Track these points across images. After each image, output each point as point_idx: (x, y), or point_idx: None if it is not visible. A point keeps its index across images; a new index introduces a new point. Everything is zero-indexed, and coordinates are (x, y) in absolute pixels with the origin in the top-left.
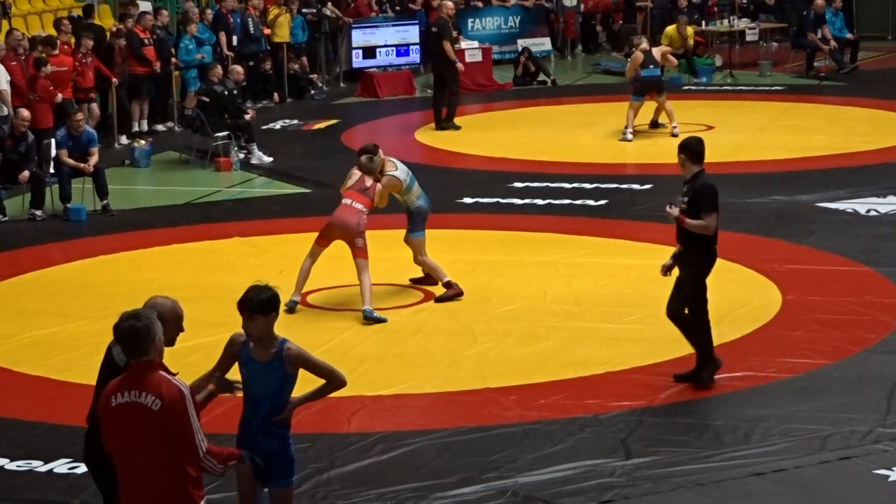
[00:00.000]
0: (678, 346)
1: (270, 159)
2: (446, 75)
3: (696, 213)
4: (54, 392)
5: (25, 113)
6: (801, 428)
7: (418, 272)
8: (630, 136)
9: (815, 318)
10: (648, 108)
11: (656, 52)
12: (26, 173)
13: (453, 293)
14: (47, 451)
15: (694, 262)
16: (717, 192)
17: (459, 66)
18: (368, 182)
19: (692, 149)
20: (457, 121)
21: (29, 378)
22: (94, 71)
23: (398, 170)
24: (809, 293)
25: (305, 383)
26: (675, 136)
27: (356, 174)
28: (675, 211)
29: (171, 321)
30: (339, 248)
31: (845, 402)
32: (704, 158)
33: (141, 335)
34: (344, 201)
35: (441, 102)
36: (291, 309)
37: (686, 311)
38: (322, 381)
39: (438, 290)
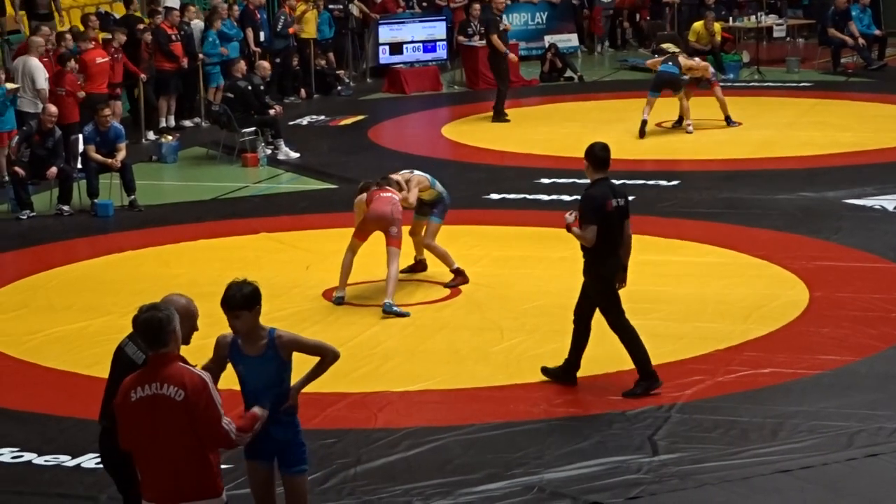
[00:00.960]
0: (704, 343)
1: (297, 155)
2: (500, 69)
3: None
4: (81, 387)
5: (53, 109)
6: (828, 425)
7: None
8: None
9: (842, 315)
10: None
11: (683, 59)
12: (54, 169)
13: (461, 280)
14: (75, 446)
15: (587, 270)
16: (603, 203)
17: (512, 57)
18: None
19: (594, 155)
20: (480, 116)
21: (56, 373)
22: (122, 66)
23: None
24: (837, 290)
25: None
26: (689, 133)
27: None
28: (570, 217)
29: (186, 320)
30: (371, 243)
31: (873, 398)
32: (608, 166)
33: (162, 326)
34: (376, 195)
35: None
36: (339, 302)
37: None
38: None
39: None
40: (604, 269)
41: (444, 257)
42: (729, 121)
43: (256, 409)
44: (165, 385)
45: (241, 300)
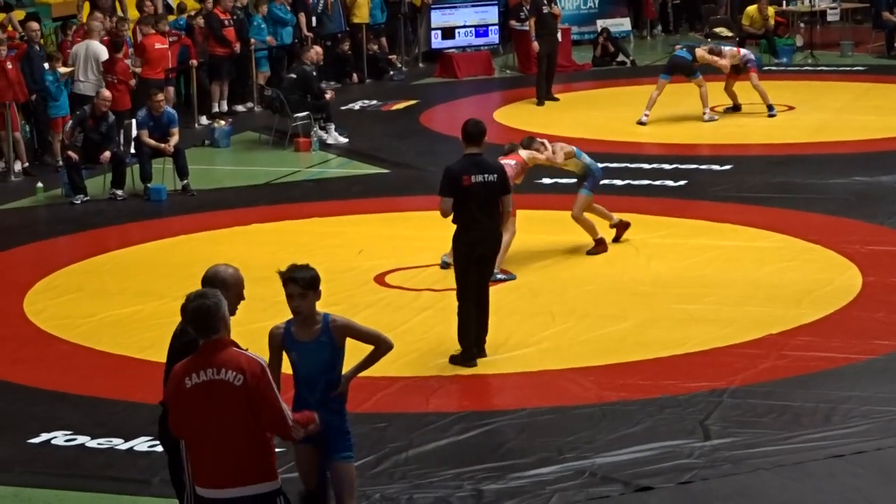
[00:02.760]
0: (756, 328)
1: (346, 140)
2: (538, 53)
3: None
4: (134, 371)
5: (106, 93)
6: (881, 410)
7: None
8: (644, 119)
9: None
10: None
11: (700, 51)
12: (108, 153)
13: (601, 249)
14: (127, 430)
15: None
16: (456, 176)
17: (535, 45)
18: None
19: (465, 131)
20: (533, 101)
21: (110, 357)
22: (177, 52)
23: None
24: (891, 274)
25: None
26: (706, 121)
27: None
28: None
29: (233, 288)
30: (415, 228)
31: None
32: (480, 141)
33: (211, 313)
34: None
35: (541, 78)
36: (446, 265)
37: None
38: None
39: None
40: (458, 245)
41: (590, 229)
42: (770, 109)
43: (314, 415)
44: (223, 370)
45: (312, 280)
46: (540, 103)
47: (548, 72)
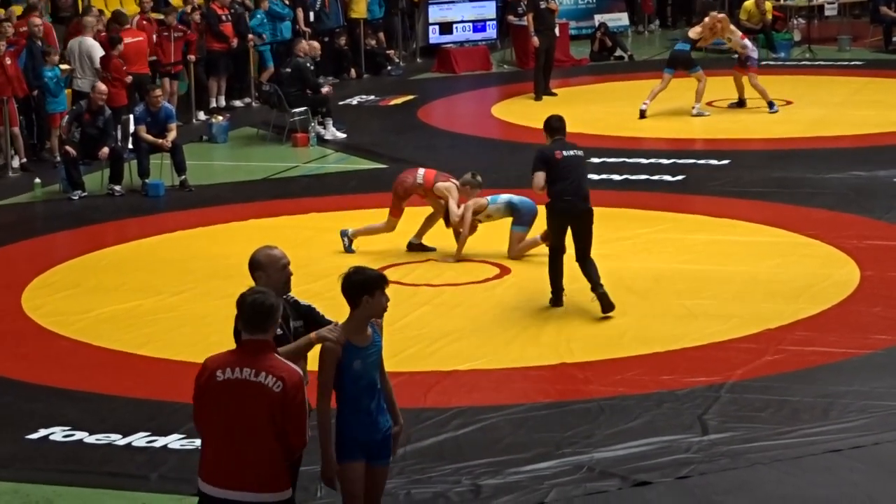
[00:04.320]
0: (754, 323)
1: (344, 135)
2: (536, 48)
3: None
4: (133, 366)
5: (102, 87)
6: (879, 404)
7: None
8: (643, 106)
9: (894, 294)
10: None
11: (692, 31)
12: (106, 149)
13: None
14: (126, 425)
15: None
16: (549, 153)
17: (534, 40)
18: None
19: (549, 125)
20: (531, 96)
21: (108, 352)
22: (181, 47)
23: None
24: (889, 269)
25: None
26: (694, 115)
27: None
28: None
29: (268, 268)
30: (412, 223)
31: None
32: (564, 132)
33: (270, 313)
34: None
35: (538, 73)
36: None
37: None
38: None
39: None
40: (552, 210)
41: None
42: (771, 106)
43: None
44: (264, 374)
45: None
46: (538, 98)
47: (545, 67)
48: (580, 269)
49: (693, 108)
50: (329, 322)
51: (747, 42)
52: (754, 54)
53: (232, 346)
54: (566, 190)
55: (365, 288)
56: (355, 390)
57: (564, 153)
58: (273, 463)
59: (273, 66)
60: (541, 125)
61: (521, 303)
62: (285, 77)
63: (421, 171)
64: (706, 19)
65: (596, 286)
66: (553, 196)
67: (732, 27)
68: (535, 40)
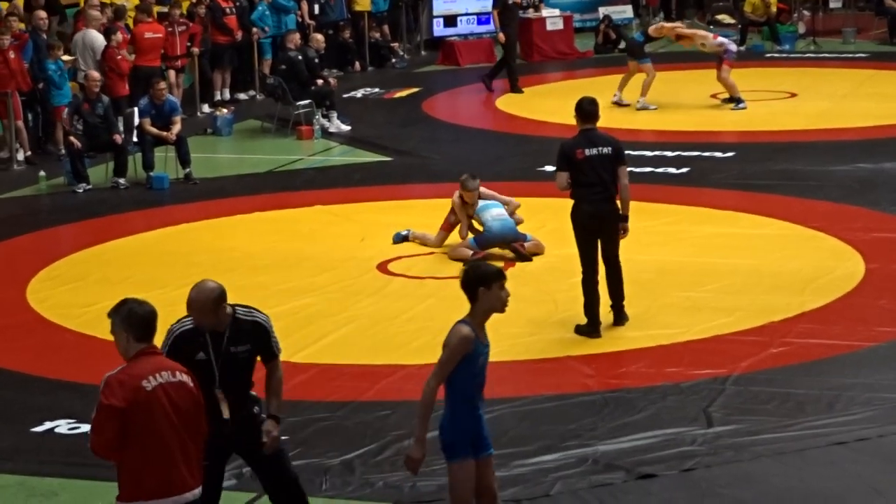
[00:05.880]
0: (759, 315)
1: (348, 128)
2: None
3: None
4: None
5: (95, 74)
6: (884, 397)
7: None
8: (615, 99)
9: None
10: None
11: (654, 27)
12: (118, 136)
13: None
14: None
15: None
16: (569, 151)
17: (500, 36)
18: None
19: (581, 108)
20: (535, 89)
21: (112, 345)
22: (186, 40)
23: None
24: (894, 261)
25: None
26: (637, 109)
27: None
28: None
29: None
30: (418, 215)
31: None
32: (595, 118)
33: (155, 319)
34: None
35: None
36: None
37: None
38: None
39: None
40: (575, 215)
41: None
42: (735, 101)
43: None
44: (178, 372)
45: None
46: (515, 91)
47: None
48: (605, 276)
49: (638, 101)
50: (277, 349)
51: (722, 39)
52: (732, 47)
53: None
54: (588, 195)
55: (481, 281)
56: (472, 386)
57: (587, 152)
58: (198, 456)
59: (271, 59)
60: (545, 117)
61: (526, 295)
62: (281, 72)
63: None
64: (665, 26)
65: (616, 302)
66: (574, 200)
67: (701, 32)
68: (501, 36)
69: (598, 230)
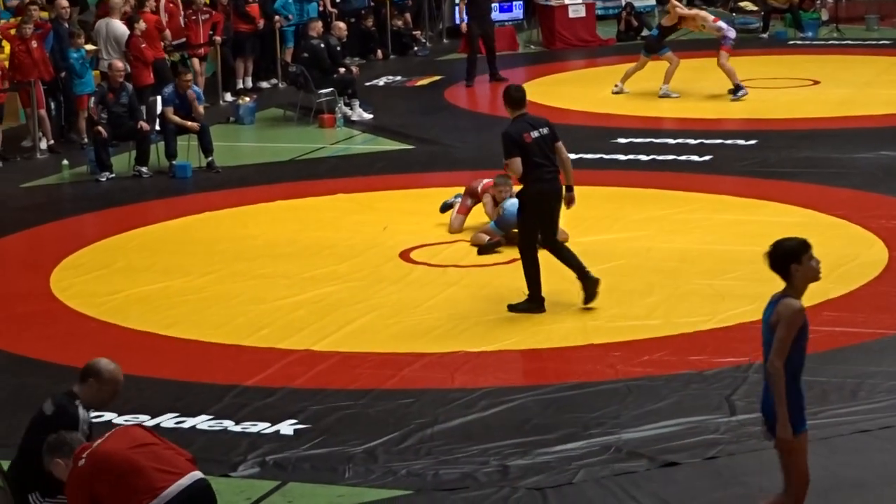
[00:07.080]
0: None
1: (370, 116)
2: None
3: None
4: (160, 347)
5: (118, 63)
6: None
7: None
8: (615, 89)
9: None
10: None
11: (680, 8)
12: (144, 124)
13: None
14: (154, 406)
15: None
16: (516, 136)
17: (463, 26)
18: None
19: (509, 95)
20: (557, 76)
21: (136, 333)
22: (209, 28)
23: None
24: None
25: None
26: (660, 96)
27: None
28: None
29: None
30: (440, 204)
31: None
32: (524, 103)
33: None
34: None
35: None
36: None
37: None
38: None
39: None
40: (530, 195)
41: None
42: (734, 90)
43: None
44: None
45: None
46: (469, 84)
47: (488, 52)
48: (556, 256)
49: (661, 88)
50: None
51: (721, 24)
52: (731, 34)
53: (253, 328)
54: (542, 174)
55: (790, 256)
56: (800, 360)
57: (533, 135)
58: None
59: (293, 47)
60: (567, 105)
61: (547, 283)
62: (303, 60)
63: (485, 180)
64: (674, 8)
65: (582, 272)
66: (529, 181)
67: (703, 13)
68: (464, 26)
69: (552, 208)
